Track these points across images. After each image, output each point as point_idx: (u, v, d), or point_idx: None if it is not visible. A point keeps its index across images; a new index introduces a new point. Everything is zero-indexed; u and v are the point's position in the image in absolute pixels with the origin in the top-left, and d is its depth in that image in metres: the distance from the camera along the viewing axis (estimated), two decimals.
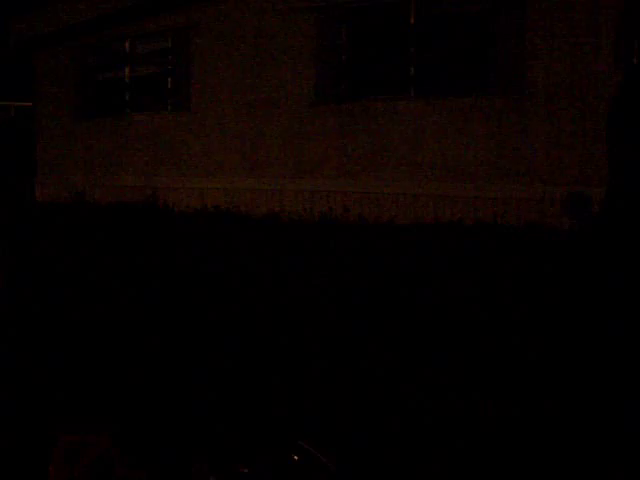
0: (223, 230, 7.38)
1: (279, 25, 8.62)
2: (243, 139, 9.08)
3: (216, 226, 7.77)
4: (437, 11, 7.60)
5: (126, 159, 10.56)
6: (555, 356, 3.07)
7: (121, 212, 9.29)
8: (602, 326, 2.88)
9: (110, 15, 10.28)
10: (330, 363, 3.07)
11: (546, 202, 6.83)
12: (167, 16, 9.79)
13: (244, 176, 9.08)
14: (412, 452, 2.22)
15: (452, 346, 3.26)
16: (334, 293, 4.29)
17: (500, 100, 7.14)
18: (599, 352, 2.83)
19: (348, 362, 3.07)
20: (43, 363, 3.09)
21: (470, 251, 5.53)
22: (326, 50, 8.26)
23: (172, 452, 2.22)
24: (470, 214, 7.22)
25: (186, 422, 2.47)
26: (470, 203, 7.27)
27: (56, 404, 2.60)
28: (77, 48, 11.33)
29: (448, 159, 7.45)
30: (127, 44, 10.65)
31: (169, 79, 9.98)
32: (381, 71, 8.12)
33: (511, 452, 2.22)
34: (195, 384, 2.85)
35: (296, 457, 1.88)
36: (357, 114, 8.09)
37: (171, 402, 2.66)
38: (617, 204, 1.98)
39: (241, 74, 9.05)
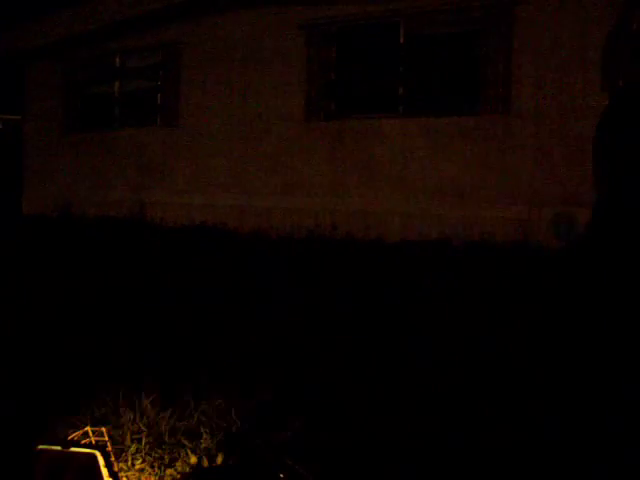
0: (210, 246, 7.35)
1: (269, 43, 8.66)
2: (231, 156, 9.09)
3: (203, 242, 7.74)
4: (426, 31, 7.69)
5: (114, 174, 10.52)
6: (550, 358, 3.07)
7: (107, 226, 9.22)
8: (598, 329, 2.88)
9: (100, 30, 10.30)
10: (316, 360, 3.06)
11: (533, 222, 6.87)
12: (157, 31, 9.82)
13: (232, 193, 9.07)
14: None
15: (446, 347, 3.26)
16: (316, 305, 4.29)
17: (487, 120, 7.21)
18: (595, 353, 2.83)
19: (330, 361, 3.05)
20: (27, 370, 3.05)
21: (458, 265, 5.55)
22: (315, 68, 8.31)
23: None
24: (457, 233, 7.24)
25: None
26: (457, 222, 7.30)
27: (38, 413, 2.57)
28: (67, 62, 11.32)
29: (436, 178, 7.49)
30: (117, 59, 10.66)
31: (158, 94, 9.99)
32: (370, 90, 8.17)
33: (507, 453, 2.21)
34: (196, 384, 2.83)
35: (282, 475, 1.94)
36: (346, 132, 8.13)
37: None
38: (602, 215, 2.01)
39: (230, 91, 9.07)
